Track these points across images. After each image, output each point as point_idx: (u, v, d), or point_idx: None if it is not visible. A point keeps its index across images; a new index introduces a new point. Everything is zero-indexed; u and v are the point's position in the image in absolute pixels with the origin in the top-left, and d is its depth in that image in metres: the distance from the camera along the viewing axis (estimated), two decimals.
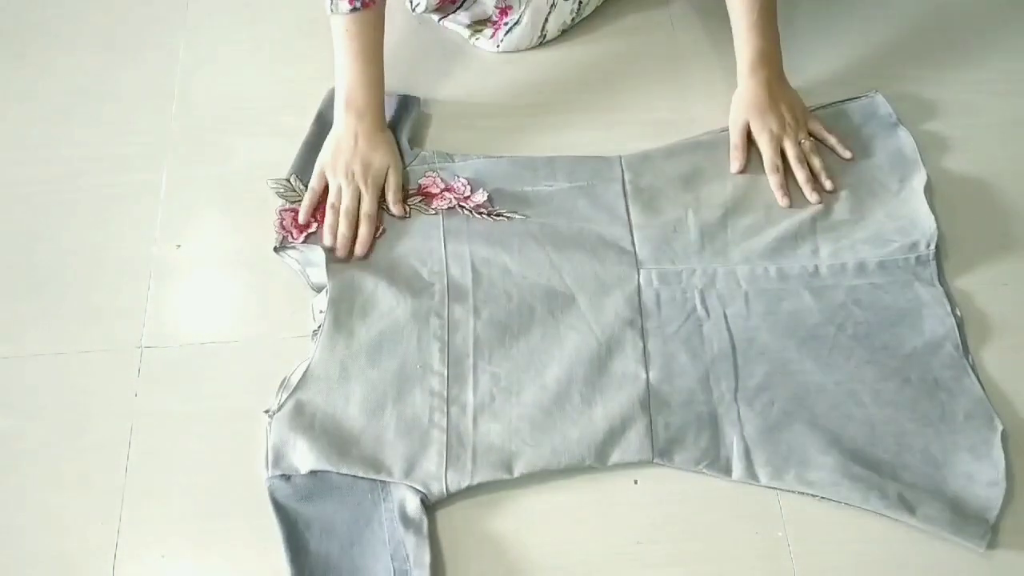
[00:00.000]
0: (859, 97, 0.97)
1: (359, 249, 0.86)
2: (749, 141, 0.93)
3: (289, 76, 1.00)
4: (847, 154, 0.93)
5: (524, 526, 0.74)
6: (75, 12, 1.07)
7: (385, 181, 0.90)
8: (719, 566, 0.73)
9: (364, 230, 0.87)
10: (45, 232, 0.90)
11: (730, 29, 0.95)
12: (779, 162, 0.91)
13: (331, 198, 0.89)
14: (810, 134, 0.93)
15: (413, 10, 1.03)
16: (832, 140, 0.94)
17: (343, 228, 0.86)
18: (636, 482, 0.76)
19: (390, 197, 0.89)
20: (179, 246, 0.89)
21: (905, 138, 0.93)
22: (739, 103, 0.94)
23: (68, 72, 1.02)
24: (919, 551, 0.73)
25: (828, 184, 0.90)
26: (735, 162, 0.92)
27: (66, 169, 0.94)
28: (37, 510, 0.75)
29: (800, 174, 0.91)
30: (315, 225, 0.88)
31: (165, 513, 0.75)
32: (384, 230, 0.88)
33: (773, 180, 0.91)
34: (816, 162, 0.92)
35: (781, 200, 0.90)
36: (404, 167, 0.91)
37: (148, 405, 0.80)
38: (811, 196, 0.90)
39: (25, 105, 0.99)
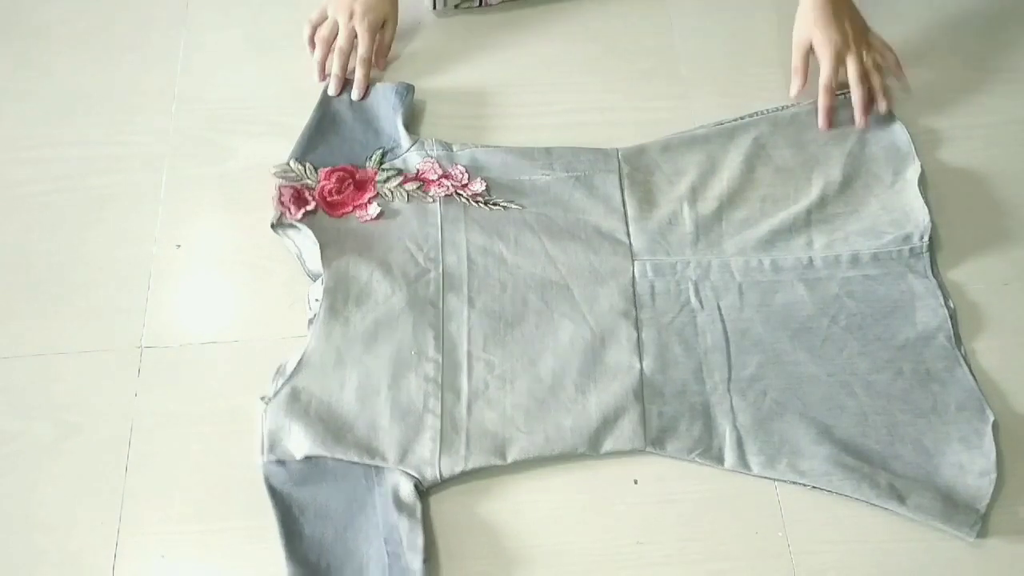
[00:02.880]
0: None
1: (356, 93, 0.93)
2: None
3: (289, 76, 1.00)
4: (905, 79, 0.97)
5: (519, 514, 0.75)
6: (75, 12, 1.07)
7: (381, 31, 0.95)
8: (719, 566, 0.73)
9: (361, 73, 0.94)
10: (45, 232, 0.90)
11: (726, 23, 0.95)
12: (835, 83, 0.93)
13: (324, 30, 0.94)
14: (870, 49, 0.96)
15: (433, 8, 1.04)
16: (892, 60, 0.96)
17: (335, 67, 0.93)
18: (636, 482, 0.76)
19: (377, 51, 0.96)
20: (179, 246, 0.89)
21: (899, 131, 0.94)
22: (803, 17, 0.95)
23: (68, 72, 1.01)
24: (918, 552, 0.73)
25: (883, 106, 0.93)
26: (796, 82, 0.95)
27: (66, 169, 0.94)
28: (37, 510, 0.75)
29: (857, 94, 0.92)
30: (313, 203, 0.88)
31: (165, 513, 0.75)
32: (382, 212, 0.88)
33: (824, 101, 0.93)
34: (876, 81, 0.94)
35: (823, 123, 0.93)
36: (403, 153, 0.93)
37: (148, 405, 0.80)
38: (860, 120, 0.92)
39: (25, 105, 0.99)
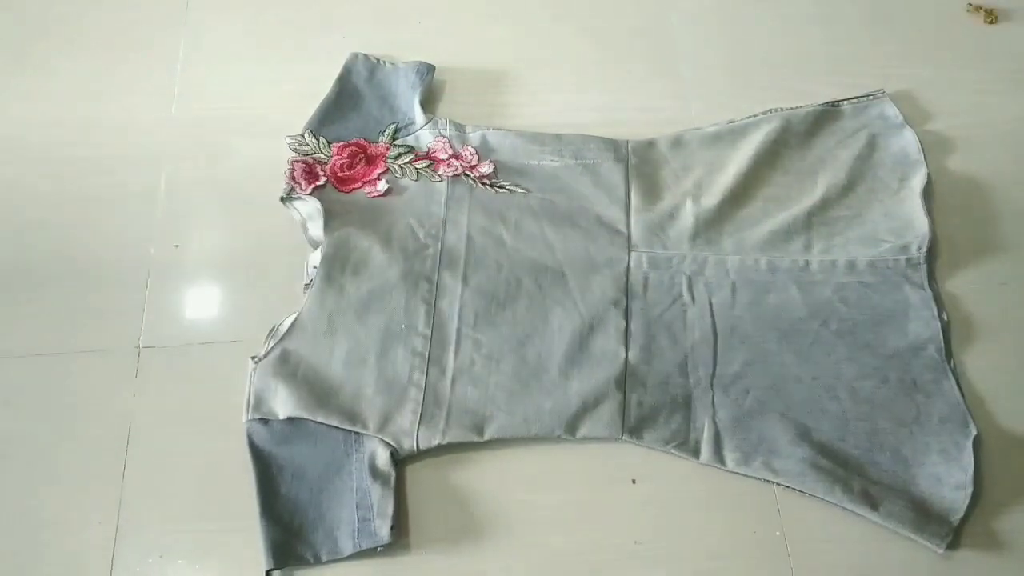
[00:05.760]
0: (867, 96, 0.96)
1: None
2: None
3: (289, 76, 1.00)
4: None
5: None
6: (76, 13, 1.07)
7: None
8: (719, 565, 0.73)
9: None
10: (45, 232, 0.90)
11: (727, 29, 0.94)
12: None
13: None
14: None
15: None
16: None
17: None
18: (635, 482, 0.76)
19: None
20: (178, 246, 0.89)
21: (911, 138, 0.93)
22: None
23: (68, 72, 1.02)
24: (919, 552, 0.73)
25: None
26: None
27: (66, 169, 0.94)
28: (37, 510, 0.75)
29: None
30: (324, 179, 0.89)
31: (164, 513, 0.75)
32: (390, 188, 0.89)
33: None
34: None
35: None
36: (416, 130, 0.93)
37: (147, 405, 0.80)
38: None
39: (25, 105, 0.99)
